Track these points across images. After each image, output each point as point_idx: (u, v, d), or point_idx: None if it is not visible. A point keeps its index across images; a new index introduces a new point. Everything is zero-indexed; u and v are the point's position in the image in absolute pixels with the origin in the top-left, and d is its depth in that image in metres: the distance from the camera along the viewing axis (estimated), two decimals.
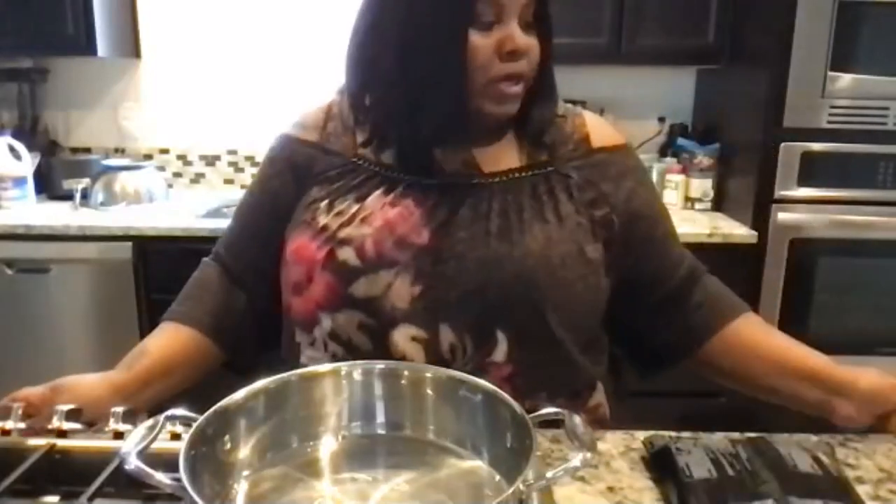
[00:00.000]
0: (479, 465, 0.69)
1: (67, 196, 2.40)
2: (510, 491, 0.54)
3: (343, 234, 0.86)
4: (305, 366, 0.86)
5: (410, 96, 0.86)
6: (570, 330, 0.88)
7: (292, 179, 0.94)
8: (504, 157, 0.91)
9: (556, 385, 0.89)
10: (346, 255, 0.85)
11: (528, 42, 0.84)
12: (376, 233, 0.85)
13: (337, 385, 0.74)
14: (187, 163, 2.77)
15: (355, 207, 0.87)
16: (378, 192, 0.88)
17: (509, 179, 0.89)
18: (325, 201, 0.89)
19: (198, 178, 2.78)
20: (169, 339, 0.94)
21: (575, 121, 0.94)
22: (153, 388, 0.89)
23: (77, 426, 0.79)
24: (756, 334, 0.95)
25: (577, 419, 0.64)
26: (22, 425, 0.79)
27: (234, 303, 0.98)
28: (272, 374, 0.72)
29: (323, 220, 0.88)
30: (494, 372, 0.85)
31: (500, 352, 0.85)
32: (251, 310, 0.98)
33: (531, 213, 0.87)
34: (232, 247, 1.01)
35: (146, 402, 0.88)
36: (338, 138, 0.94)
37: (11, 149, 2.38)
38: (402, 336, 0.84)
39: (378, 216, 0.86)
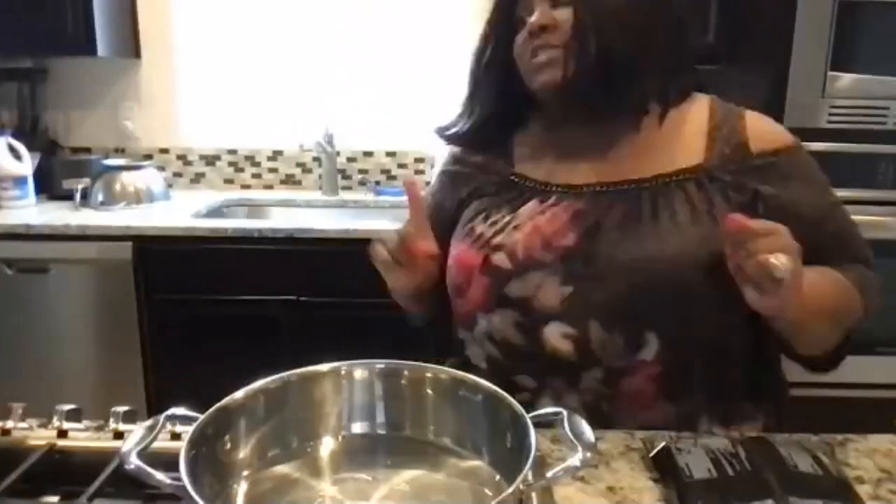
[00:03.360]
0: (479, 465, 0.69)
1: (67, 196, 2.39)
2: (510, 491, 0.54)
3: (497, 240, 0.93)
4: (469, 359, 0.97)
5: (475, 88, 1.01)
6: (720, 332, 0.88)
7: (451, 194, 1.04)
8: (652, 162, 0.92)
9: (710, 389, 0.90)
10: (500, 259, 0.92)
11: (546, 16, 0.90)
12: (526, 238, 0.91)
13: (337, 385, 0.74)
14: (187, 163, 2.76)
15: (509, 217, 0.95)
16: (532, 203, 0.95)
17: (659, 184, 0.90)
18: (483, 213, 0.98)
19: (198, 178, 2.78)
20: None
21: (735, 124, 0.93)
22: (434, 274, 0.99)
23: (78, 426, 0.80)
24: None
25: (578, 419, 0.64)
26: (23, 425, 0.79)
27: None
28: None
29: (480, 229, 0.96)
30: (643, 370, 0.87)
31: (650, 351, 0.86)
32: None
33: (684, 217, 0.88)
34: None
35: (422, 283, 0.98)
36: (495, 160, 1.02)
37: (11, 149, 2.38)
38: (554, 333, 0.88)
39: (529, 224, 0.92)
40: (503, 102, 1.00)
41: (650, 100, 0.93)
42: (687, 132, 0.93)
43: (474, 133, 1.02)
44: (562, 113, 0.97)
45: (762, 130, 0.93)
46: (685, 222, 0.87)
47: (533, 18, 0.91)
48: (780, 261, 0.74)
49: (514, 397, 0.80)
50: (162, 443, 0.64)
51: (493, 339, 0.92)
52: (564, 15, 0.90)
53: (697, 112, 0.95)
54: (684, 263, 0.85)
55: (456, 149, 1.08)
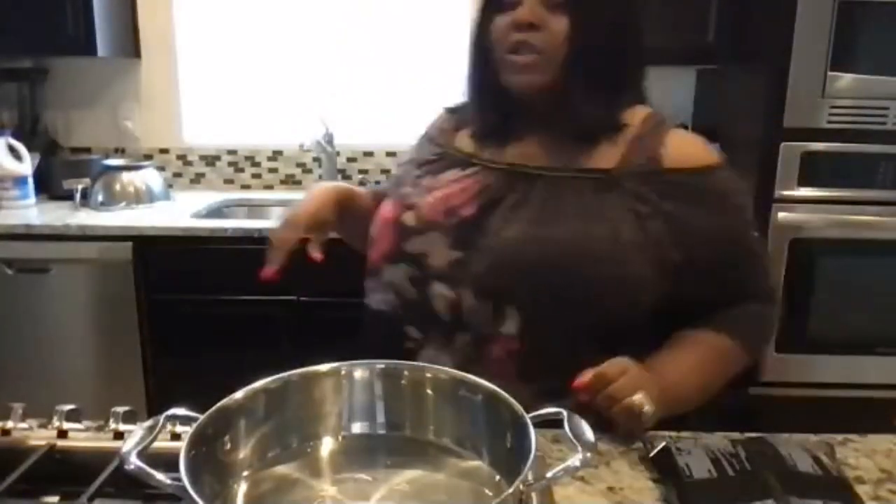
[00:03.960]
0: (479, 465, 0.69)
1: (67, 196, 2.39)
2: (510, 491, 0.54)
3: (412, 200, 1.00)
4: (370, 305, 1.02)
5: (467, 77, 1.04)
6: (591, 323, 0.91)
7: (408, 161, 1.11)
8: (572, 155, 0.95)
9: (566, 374, 0.88)
10: (408, 217, 0.99)
11: (537, 14, 0.90)
12: (435, 202, 0.98)
13: (337, 385, 0.74)
14: (187, 163, 2.76)
15: (430, 181, 1.01)
16: (452, 172, 1.01)
17: (564, 176, 0.94)
18: (415, 177, 1.04)
19: (198, 178, 2.78)
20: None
21: (657, 137, 0.95)
22: (351, 216, 1.09)
23: (78, 426, 0.80)
24: (676, 339, 0.97)
25: (578, 419, 0.64)
26: (23, 425, 0.79)
27: None
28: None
29: (406, 189, 1.03)
30: (503, 343, 0.91)
31: (511, 326, 0.90)
32: None
33: (571, 210, 0.92)
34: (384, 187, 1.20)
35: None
36: (443, 134, 1.09)
37: (11, 149, 2.38)
38: (437, 292, 0.94)
39: (443, 190, 0.99)
40: (484, 85, 1.00)
41: (623, 116, 0.96)
42: (614, 136, 0.95)
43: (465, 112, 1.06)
44: (532, 109, 0.98)
45: (681, 148, 0.95)
46: (569, 216, 0.91)
47: (522, 12, 0.91)
48: (640, 399, 0.81)
49: (403, 346, 0.95)
50: (162, 443, 0.64)
51: (391, 288, 0.99)
52: (558, 22, 0.90)
53: (633, 118, 0.97)
54: (552, 251, 0.89)
55: (427, 128, 1.14)
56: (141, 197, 2.44)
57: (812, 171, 2.11)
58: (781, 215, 2.13)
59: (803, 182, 2.12)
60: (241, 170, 2.77)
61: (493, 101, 1.00)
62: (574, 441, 0.61)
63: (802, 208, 2.13)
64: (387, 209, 1.03)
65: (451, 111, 1.11)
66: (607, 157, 0.94)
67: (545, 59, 0.91)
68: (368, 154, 2.72)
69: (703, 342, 0.97)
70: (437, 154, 1.06)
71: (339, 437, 0.73)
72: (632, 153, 0.94)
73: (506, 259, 0.90)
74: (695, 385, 0.93)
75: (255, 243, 2.10)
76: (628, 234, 0.90)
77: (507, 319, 0.90)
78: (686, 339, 0.97)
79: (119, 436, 0.78)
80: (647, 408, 0.82)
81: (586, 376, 0.82)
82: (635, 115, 0.97)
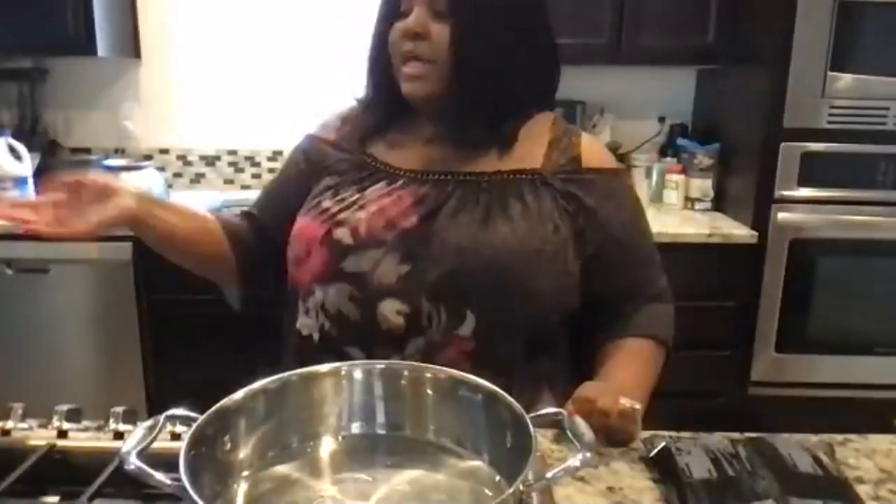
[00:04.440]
0: (479, 465, 0.69)
1: None
2: (510, 491, 0.54)
3: (341, 216, 0.96)
4: (300, 331, 0.98)
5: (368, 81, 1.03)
6: (531, 322, 0.95)
7: (305, 167, 1.08)
8: (495, 160, 0.98)
9: (510, 375, 0.94)
10: (341, 234, 0.94)
11: (421, 24, 0.91)
12: (370, 217, 0.95)
13: (337, 385, 0.74)
14: (187, 163, 2.76)
15: (356, 196, 0.98)
16: (379, 185, 0.98)
17: (497, 179, 0.96)
18: (332, 190, 1.00)
19: (198, 178, 2.78)
20: (204, 216, 1.15)
21: (572, 140, 1.01)
22: (172, 224, 1.11)
23: (78, 426, 0.80)
24: (610, 351, 1.00)
25: (578, 420, 0.64)
26: (23, 425, 0.79)
27: (248, 236, 1.15)
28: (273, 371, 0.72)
29: (327, 204, 0.99)
30: (458, 344, 0.92)
31: (468, 327, 0.91)
32: (262, 247, 1.11)
33: (515, 211, 0.93)
34: (258, 203, 1.21)
35: (158, 229, 1.10)
36: (350, 140, 1.05)
37: (11, 149, 2.37)
38: (389, 309, 0.91)
39: (375, 204, 0.96)
40: (381, 88, 1.01)
41: (519, 125, 0.98)
42: (530, 138, 0.99)
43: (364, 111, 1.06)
44: (426, 116, 0.99)
45: (593, 151, 1.01)
46: (515, 216, 0.93)
47: (410, 21, 0.92)
48: (628, 402, 0.83)
49: None
50: (162, 443, 0.64)
51: (326, 310, 0.95)
52: (441, 30, 0.91)
53: (542, 122, 1.01)
54: (505, 253, 0.91)
55: (314, 131, 1.11)
56: None
57: (812, 171, 2.12)
58: (781, 215, 2.13)
59: (803, 182, 2.13)
60: (241, 170, 2.77)
61: (390, 104, 1.00)
62: (574, 441, 0.61)
63: (802, 208, 2.13)
64: (311, 227, 0.97)
65: (348, 114, 1.09)
66: (528, 159, 0.97)
67: (434, 69, 0.92)
68: None
69: (637, 349, 1.00)
70: (348, 161, 1.02)
71: (339, 437, 0.73)
72: (553, 154, 0.98)
73: (459, 264, 0.90)
74: (644, 390, 0.95)
75: None
76: (564, 232, 0.95)
77: (464, 322, 0.91)
78: (622, 347, 1.00)
79: (119, 436, 0.78)
80: (638, 405, 0.83)
81: (569, 408, 0.81)
82: (545, 120, 1.02)
